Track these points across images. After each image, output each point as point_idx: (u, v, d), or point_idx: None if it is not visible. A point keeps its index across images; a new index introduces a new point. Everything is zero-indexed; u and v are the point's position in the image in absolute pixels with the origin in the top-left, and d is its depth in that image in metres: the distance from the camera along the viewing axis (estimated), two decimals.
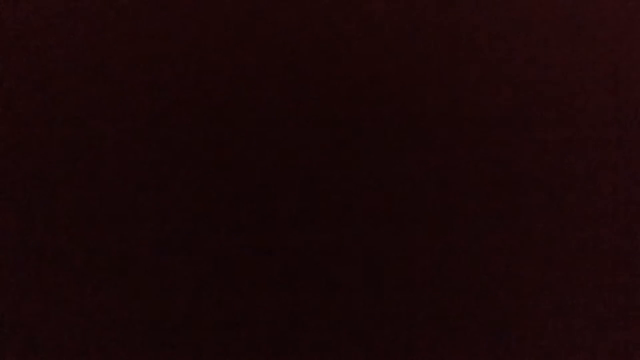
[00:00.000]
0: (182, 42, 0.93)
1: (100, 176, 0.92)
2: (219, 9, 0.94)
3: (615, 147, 0.94)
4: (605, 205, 0.93)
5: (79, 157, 0.92)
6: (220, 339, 0.90)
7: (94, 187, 0.91)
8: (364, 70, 0.93)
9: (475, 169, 0.93)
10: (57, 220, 0.91)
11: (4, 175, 0.91)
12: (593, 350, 0.91)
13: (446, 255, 0.92)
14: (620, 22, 0.95)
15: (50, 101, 0.92)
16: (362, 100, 0.93)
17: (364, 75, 0.93)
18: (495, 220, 0.92)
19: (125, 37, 0.93)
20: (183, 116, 0.92)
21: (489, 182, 0.92)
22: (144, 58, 0.93)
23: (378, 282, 0.91)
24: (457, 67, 0.94)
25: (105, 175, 0.92)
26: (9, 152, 0.92)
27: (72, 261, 0.90)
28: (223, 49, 0.93)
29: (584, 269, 0.92)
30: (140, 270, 0.90)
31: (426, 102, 0.93)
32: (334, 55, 0.93)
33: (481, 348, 0.91)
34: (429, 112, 0.93)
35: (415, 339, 0.91)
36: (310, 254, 0.91)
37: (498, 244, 0.92)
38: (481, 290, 0.91)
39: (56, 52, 0.93)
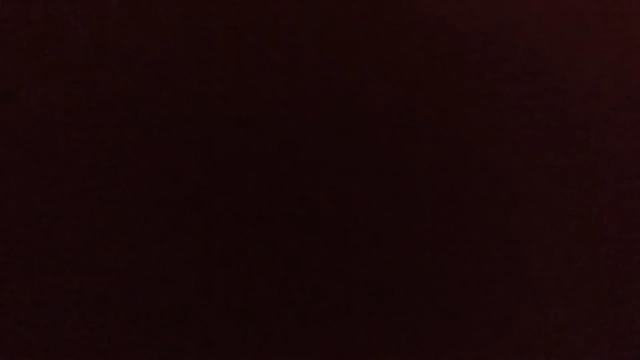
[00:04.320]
0: (183, 40, 0.93)
1: (100, 175, 0.92)
2: (221, 7, 0.94)
3: (616, 145, 0.94)
4: (606, 201, 0.93)
5: (79, 155, 0.92)
6: (220, 336, 0.91)
7: (94, 185, 0.92)
8: (366, 66, 0.93)
9: (477, 167, 0.93)
10: (57, 219, 0.91)
11: (4, 174, 0.91)
12: (594, 349, 0.92)
13: (447, 252, 0.92)
14: (621, 18, 0.95)
15: (50, 99, 0.92)
16: (363, 98, 0.93)
17: (366, 71, 0.93)
18: (496, 217, 0.92)
19: (126, 36, 0.93)
20: (184, 115, 0.93)
21: (490, 179, 0.93)
22: (145, 57, 0.93)
23: (379, 281, 0.91)
24: (457, 65, 0.94)
25: (106, 174, 0.92)
26: (9, 151, 0.92)
27: (72, 260, 0.91)
28: (225, 45, 0.93)
29: (584, 266, 0.92)
30: (141, 267, 0.91)
31: (427, 98, 0.93)
32: (335, 52, 0.93)
33: (482, 347, 0.91)
34: (431, 108, 0.93)
35: (416, 338, 0.91)
36: (310, 252, 0.92)
37: (499, 241, 0.92)
38: (482, 288, 0.92)
39: (56, 51, 0.93)
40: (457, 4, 0.94)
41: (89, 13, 0.93)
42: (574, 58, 0.94)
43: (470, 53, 0.93)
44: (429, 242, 0.92)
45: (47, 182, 0.91)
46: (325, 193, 0.92)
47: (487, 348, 0.91)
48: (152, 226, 0.91)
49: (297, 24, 0.93)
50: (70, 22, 0.93)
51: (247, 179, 0.92)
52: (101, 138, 0.92)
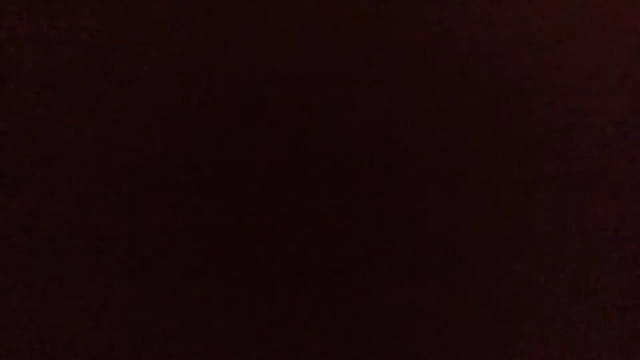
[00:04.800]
0: (185, 43, 0.94)
1: (102, 174, 0.92)
2: (221, 10, 0.94)
3: (616, 145, 0.94)
4: (607, 203, 0.93)
5: (81, 155, 0.92)
6: (222, 338, 0.90)
7: (96, 185, 0.91)
8: (366, 68, 0.94)
9: (476, 168, 0.93)
10: (59, 219, 0.91)
11: (6, 174, 0.91)
12: (594, 350, 0.91)
13: (446, 253, 0.92)
14: (621, 19, 0.95)
15: (53, 100, 0.92)
16: (363, 99, 0.93)
17: (366, 72, 0.94)
18: (496, 217, 0.92)
19: (127, 37, 0.93)
20: (186, 115, 0.93)
21: (489, 181, 0.93)
22: (146, 58, 0.93)
23: (379, 281, 0.91)
24: (457, 65, 0.94)
25: (107, 174, 0.92)
26: (11, 151, 0.92)
27: (73, 260, 0.90)
28: (226, 48, 0.94)
29: (585, 267, 0.92)
30: (143, 271, 0.90)
31: (427, 100, 0.93)
32: (336, 54, 0.94)
33: (481, 348, 0.91)
34: (430, 110, 0.93)
35: (416, 339, 0.91)
36: (311, 253, 0.91)
37: (498, 242, 0.92)
38: (481, 290, 0.91)
39: (60, 52, 0.93)
40: (458, 13, 0.95)
41: (97, 16, 0.93)
42: (576, 63, 0.95)
43: (471, 58, 0.94)
44: (431, 246, 0.92)
45: (47, 186, 0.91)
46: (326, 195, 0.92)
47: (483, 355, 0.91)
48: (153, 231, 0.91)
49: (298, 33, 0.94)
50: (76, 26, 0.93)
51: (251, 187, 0.92)
52: (105, 145, 0.92)
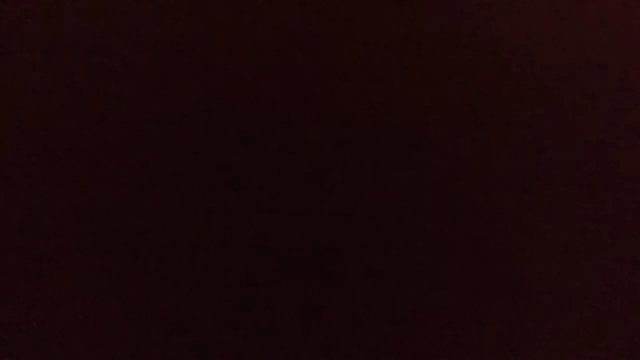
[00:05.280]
0: (183, 41, 0.93)
1: (101, 174, 0.92)
2: (220, 9, 0.94)
3: (616, 147, 0.94)
4: (605, 204, 0.93)
5: (80, 156, 0.92)
6: (221, 337, 0.90)
7: (95, 186, 0.92)
8: (365, 68, 0.93)
9: (476, 169, 0.93)
10: (58, 219, 0.91)
11: (4, 175, 0.91)
12: (593, 350, 0.91)
13: (447, 255, 0.92)
14: (621, 21, 0.95)
15: (50, 100, 0.92)
16: (363, 99, 0.93)
17: (365, 73, 0.93)
18: (496, 219, 0.92)
19: (127, 36, 0.93)
20: (184, 115, 0.93)
21: (489, 182, 0.92)
22: (145, 57, 0.93)
23: (379, 282, 0.91)
24: (458, 66, 0.94)
25: (106, 174, 0.92)
26: (9, 152, 0.92)
27: (72, 261, 0.91)
28: (225, 47, 0.93)
29: (585, 268, 0.92)
30: (141, 267, 0.91)
31: (427, 102, 0.93)
32: (335, 54, 0.93)
33: (481, 348, 0.91)
34: (430, 111, 0.93)
35: (416, 338, 0.91)
36: (311, 253, 0.91)
37: (498, 243, 0.92)
38: (481, 290, 0.91)
39: (57, 51, 0.93)
40: (460, 13, 0.94)
41: (86, 15, 0.93)
42: (576, 62, 0.94)
43: (469, 59, 0.94)
44: (426, 246, 0.92)
45: (44, 185, 0.91)
46: (325, 195, 0.92)
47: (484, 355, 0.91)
48: (153, 233, 0.91)
49: (299, 33, 0.94)
50: (68, 25, 0.93)
51: (248, 183, 0.92)
52: (102, 142, 0.92)
